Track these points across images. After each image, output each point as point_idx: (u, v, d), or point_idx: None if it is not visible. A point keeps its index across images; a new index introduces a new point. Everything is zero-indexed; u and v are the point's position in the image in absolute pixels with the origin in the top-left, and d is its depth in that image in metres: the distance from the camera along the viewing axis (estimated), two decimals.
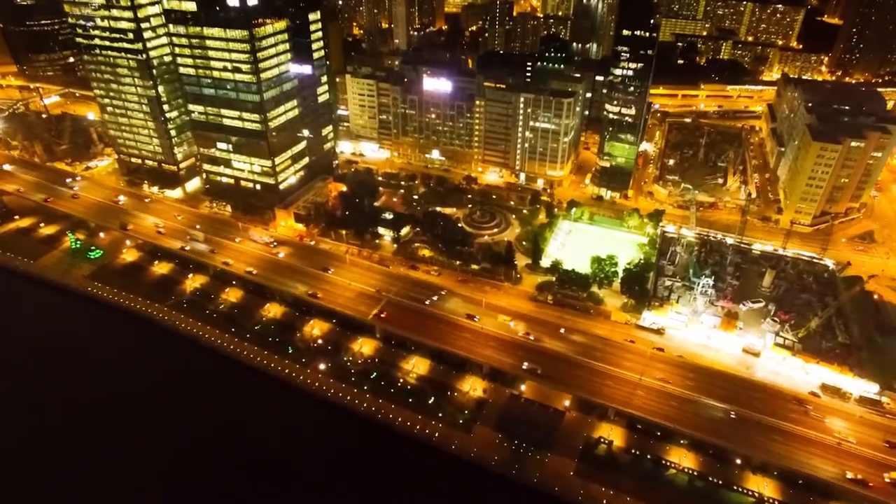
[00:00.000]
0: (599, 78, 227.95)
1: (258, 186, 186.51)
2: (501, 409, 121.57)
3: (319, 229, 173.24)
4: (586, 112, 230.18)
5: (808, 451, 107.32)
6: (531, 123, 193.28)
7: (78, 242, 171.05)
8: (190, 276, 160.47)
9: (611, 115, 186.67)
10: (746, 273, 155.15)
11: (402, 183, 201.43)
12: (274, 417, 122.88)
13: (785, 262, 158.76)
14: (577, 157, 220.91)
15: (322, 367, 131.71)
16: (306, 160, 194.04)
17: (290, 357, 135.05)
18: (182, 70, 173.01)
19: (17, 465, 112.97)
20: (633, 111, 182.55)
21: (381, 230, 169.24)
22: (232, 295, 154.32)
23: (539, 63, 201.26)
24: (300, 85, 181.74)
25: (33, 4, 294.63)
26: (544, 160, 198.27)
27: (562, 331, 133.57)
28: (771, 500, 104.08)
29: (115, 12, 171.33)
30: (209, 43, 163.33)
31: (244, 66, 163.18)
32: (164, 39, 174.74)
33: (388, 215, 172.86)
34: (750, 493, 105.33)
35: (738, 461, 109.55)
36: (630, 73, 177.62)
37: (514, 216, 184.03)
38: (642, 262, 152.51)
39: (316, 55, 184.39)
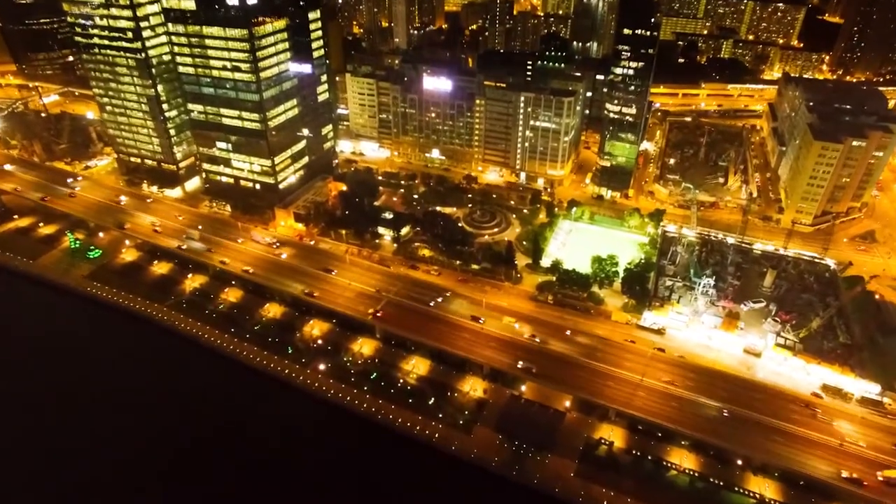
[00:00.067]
0: (600, 77, 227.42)
1: (258, 186, 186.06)
2: (502, 409, 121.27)
3: (319, 229, 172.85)
4: (587, 111, 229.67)
5: (810, 452, 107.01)
6: (531, 122, 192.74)
7: (77, 242, 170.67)
8: (189, 276, 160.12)
9: (611, 115, 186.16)
10: (747, 273, 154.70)
11: (402, 182, 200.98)
12: (274, 417, 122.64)
13: (786, 262, 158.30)
14: (577, 157, 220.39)
15: (322, 367, 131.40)
16: (306, 159, 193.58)
17: (290, 357, 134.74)
18: (181, 69, 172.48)
19: (16, 465, 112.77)
20: (633, 110, 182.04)
21: (380, 230, 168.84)
22: (231, 295, 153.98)
23: (539, 62, 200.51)
24: (300, 84, 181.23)
25: (32, 3, 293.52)
26: (545, 159, 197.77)
27: (567, 333, 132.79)
28: (772, 502, 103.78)
29: (113, 11, 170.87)
30: (208, 42, 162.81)
31: (243, 65, 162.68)
32: (164, 38, 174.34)
33: (388, 215, 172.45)
34: (751, 494, 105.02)
35: (739, 462, 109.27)
36: (631, 72, 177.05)
37: (514, 216, 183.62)
38: (643, 261, 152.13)
39: (316, 54, 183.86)
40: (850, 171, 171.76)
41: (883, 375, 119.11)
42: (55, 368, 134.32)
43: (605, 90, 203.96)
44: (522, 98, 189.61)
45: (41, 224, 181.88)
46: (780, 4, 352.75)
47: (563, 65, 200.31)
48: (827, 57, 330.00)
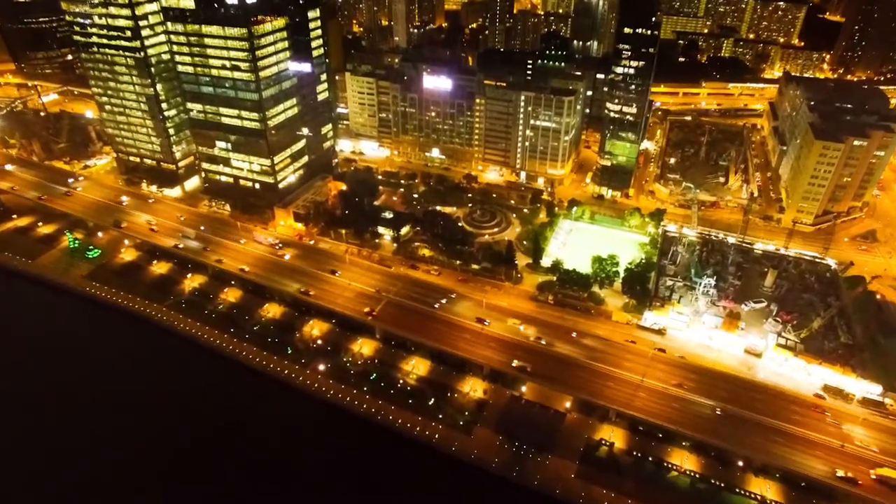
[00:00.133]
0: (600, 76, 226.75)
1: (257, 185, 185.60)
2: (502, 410, 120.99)
3: (319, 228, 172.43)
4: (587, 110, 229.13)
5: (811, 453, 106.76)
6: (532, 122, 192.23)
7: (76, 242, 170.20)
8: (189, 275, 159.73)
9: (612, 114, 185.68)
10: (748, 273, 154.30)
11: (402, 182, 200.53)
12: (274, 417, 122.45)
13: (787, 262, 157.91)
14: (577, 156, 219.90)
15: (321, 367, 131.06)
16: (305, 159, 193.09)
17: (290, 357, 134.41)
18: (180, 68, 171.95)
19: (16, 465, 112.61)
20: (634, 109, 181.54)
21: (380, 229, 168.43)
22: (231, 295, 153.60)
23: (539, 61, 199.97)
24: (299, 83, 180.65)
25: (31, 1, 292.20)
26: (545, 159, 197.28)
27: (573, 335, 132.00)
28: (773, 503, 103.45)
29: (112, 10, 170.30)
30: (207, 41, 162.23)
31: (243, 65, 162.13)
32: (163, 37, 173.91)
33: (388, 214, 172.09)
34: (752, 495, 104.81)
35: (741, 463, 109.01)
36: (631, 71, 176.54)
37: (514, 215, 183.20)
38: (643, 261, 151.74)
39: (315, 53, 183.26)
40: (852, 171, 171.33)
41: (884, 376, 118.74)
42: (55, 368, 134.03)
43: (605, 89, 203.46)
44: (523, 97, 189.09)
45: (40, 224, 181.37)
46: (781, 3, 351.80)
47: (563, 64, 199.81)
48: (828, 56, 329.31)
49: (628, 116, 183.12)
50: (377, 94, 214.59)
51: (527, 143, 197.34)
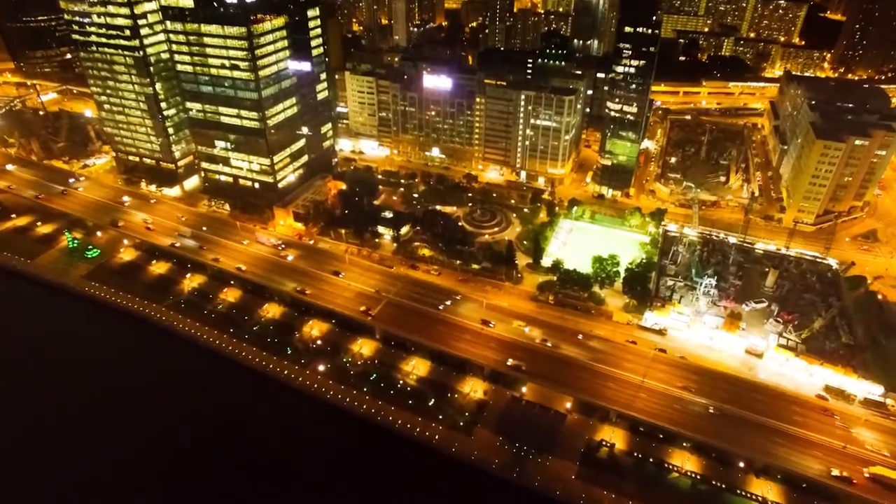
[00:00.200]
0: (601, 75, 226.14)
1: (257, 185, 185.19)
2: (502, 411, 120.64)
3: (318, 228, 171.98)
4: (587, 109, 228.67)
5: (812, 454, 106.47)
6: (532, 121, 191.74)
7: (75, 241, 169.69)
8: (188, 275, 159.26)
9: (612, 113, 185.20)
10: (749, 273, 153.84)
11: (402, 181, 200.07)
12: (274, 418, 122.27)
13: (788, 262, 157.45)
14: (578, 155, 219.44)
15: (321, 368, 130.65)
16: (305, 158, 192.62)
17: (289, 358, 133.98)
18: (179, 67, 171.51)
19: (16, 465, 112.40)
20: (634, 109, 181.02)
21: (380, 229, 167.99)
22: (230, 295, 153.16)
23: (540, 60, 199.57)
24: (299, 82, 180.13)
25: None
26: (545, 158, 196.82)
27: (580, 337, 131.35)
28: None
29: (111, 8, 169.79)
30: (207, 40, 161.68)
31: (242, 64, 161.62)
32: (161, 36, 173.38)
33: (388, 214, 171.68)
34: (753, 496, 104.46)
35: (742, 464, 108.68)
36: (632, 70, 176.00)
37: (514, 215, 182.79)
38: (644, 261, 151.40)
39: (315, 52, 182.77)
40: (853, 170, 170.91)
41: (886, 377, 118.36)
42: (55, 368, 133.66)
43: (605, 88, 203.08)
44: (523, 96, 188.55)
45: (39, 223, 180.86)
46: (782, 2, 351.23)
47: (563, 63, 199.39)
48: (828, 55, 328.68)
49: (629, 115, 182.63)
50: (377, 93, 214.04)
51: (527, 143, 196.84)
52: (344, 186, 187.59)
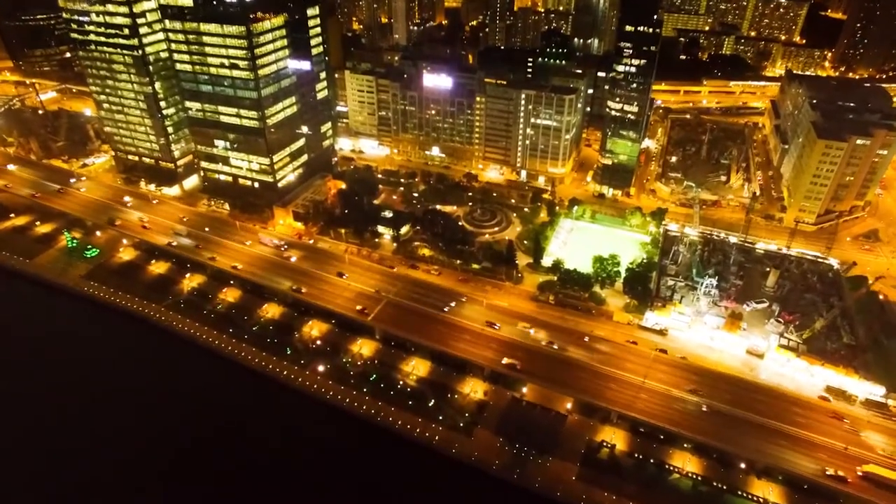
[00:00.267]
0: (601, 74, 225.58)
1: (256, 184, 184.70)
2: (503, 412, 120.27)
3: (318, 228, 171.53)
4: (588, 108, 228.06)
5: (816, 456, 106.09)
6: (532, 120, 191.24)
7: (74, 241, 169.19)
8: (187, 275, 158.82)
9: (613, 112, 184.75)
10: (750, 272, 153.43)
11: (402, 180, 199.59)
12: (274, 418, 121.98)
13: (789, 262, 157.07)
14: (578, 155, 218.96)
15: (321, 368, 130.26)
16: (305, 157, 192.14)
17: (289, 358, 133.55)
18: (179, 66, 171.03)
19: (16, 465, 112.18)
20: (635, 108, 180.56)
21: (380, 229, 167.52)
22: (230, 295, 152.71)
23: (540, 59, 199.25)
24: (298, 81, 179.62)
25: None
26: (545, 157, 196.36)
27: (586, 339, 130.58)
28: None
29: (110, 7, 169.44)
30: (206, 39, 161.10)
31: (242, 63, 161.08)
32: (161, 35, 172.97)
33: (388, 213, 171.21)
34: (754, 498, 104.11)
35: (743, 466, 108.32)
36: (632, 69, 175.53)
37: (515, 214, 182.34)
38: (645, 261, 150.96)
39: (314, 51, 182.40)
40: (854, 170, 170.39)
41: (887, 377, 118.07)
42: (55, 368, 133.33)
43: (606, 87, 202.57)
44: (523, 95, 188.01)
45: (38, 223, 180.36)
46: (783, 0, 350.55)
47: (564, 62, 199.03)
48: (829, 53, 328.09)
49: (629, 115, 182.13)
50: (377, 92, 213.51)
51: (527, 142, 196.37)
52: (343, 186, 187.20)
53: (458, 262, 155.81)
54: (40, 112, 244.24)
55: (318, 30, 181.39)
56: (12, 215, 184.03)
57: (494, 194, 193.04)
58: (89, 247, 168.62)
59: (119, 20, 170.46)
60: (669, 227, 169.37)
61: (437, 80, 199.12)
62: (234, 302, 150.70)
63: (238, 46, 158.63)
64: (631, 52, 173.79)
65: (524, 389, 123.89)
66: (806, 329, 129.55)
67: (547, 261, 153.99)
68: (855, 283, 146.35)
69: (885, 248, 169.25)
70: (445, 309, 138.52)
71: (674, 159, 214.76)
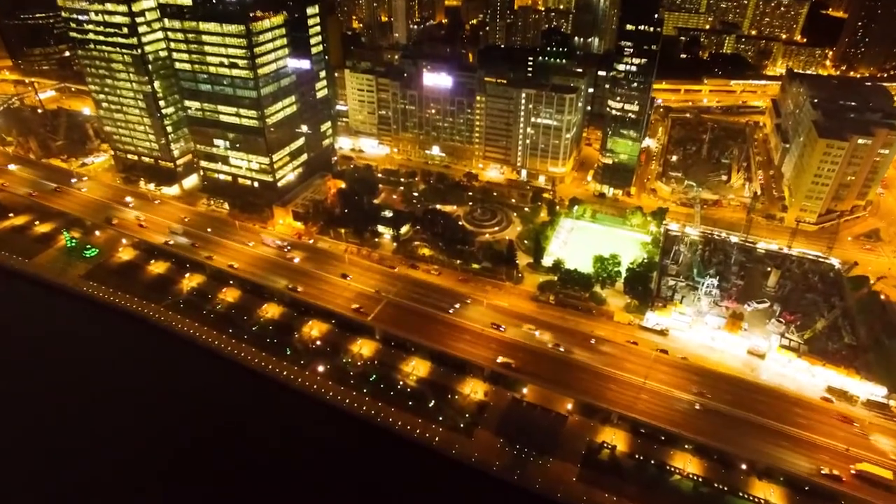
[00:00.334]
0: (602, 73, 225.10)
1: (256, 184, 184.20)
2: (503, 412, 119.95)
3: (318, 227, 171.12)
4: (588, 107, 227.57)
5: (817, 457, 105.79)
6: (532, 119, 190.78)
7: (73, 241, 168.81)
8: (186, 275, 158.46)
9: (613, 111, 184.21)
10: (751, 272, 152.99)
11: (402, 180, 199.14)
12: (273, 418, 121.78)
13: (790, 262, 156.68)
14: (579, 154, 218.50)
15: (321, 368, 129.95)
16: (305, 157, 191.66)
17: (289, 359, 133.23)
18: (178, 65, 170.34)
19: (16, 465, 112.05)
20: (636, 107, 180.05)
21: (380, 228, 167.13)
22: (229, 295, 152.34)
23: (540, 58, 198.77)
24: (298, 80, 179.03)
25: None
26: (546, 156, 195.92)
27: (592, 341, 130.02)
28: None
29: (109, 6, 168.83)
30: (205, 38, 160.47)
31: (241, 62, 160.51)
32: (160, 34, 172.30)
33: (388, 213, 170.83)
34: (756, 499, 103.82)
35: (744, 466, 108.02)
36: (633, 68, 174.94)
37: (515, 214, 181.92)
38: (645, 261, 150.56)
39: (314, 50, 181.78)
40: (856, 169, 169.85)
41: (889, 378, 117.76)
42: (54, 368, 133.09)
43: (607, 86, 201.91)
44: (523, 94, 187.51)
45: (37, 222, 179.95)
46: None
47: (564, 61, 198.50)
48: (830, 52, 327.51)
49: (630, 114, 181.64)
50: (377, 91, 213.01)
51: (528, 141, 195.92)
52: (343, 185, 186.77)
53: (459, 261, 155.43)
54: (39, 111, 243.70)
55: (318, 28, 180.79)
56: (11, 215, 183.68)
57: (495, 194, 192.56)
58: (88, 246, 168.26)
59: (118, 19, 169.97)
60: (670, 226, 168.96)
61: (437, 79, 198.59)
62: (233, 302, 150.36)
63: (237, 45, 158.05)
64: (631, 50, 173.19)
65: (524, 390, 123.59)
66: (807, 329, 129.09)
67: (547, 261, 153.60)
68: (856, 283, 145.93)
69: (887, 247, 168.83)
70: (450, 311, 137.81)
71: (674, 158, 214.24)
